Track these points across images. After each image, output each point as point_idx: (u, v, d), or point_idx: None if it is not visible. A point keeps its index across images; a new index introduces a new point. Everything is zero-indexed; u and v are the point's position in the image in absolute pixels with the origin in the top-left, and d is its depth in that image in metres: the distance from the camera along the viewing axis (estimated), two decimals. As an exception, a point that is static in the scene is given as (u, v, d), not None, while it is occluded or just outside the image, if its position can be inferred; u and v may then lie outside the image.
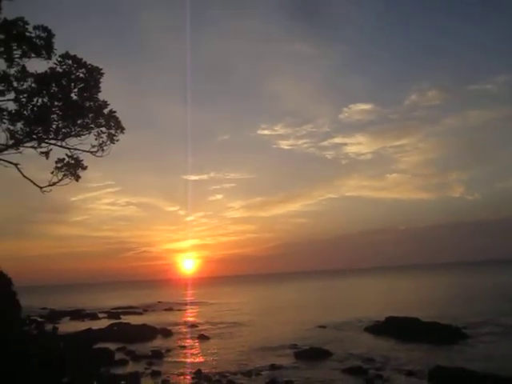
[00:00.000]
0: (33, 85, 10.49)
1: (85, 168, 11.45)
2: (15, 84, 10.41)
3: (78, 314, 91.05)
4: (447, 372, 29.93)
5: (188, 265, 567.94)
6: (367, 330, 54.25)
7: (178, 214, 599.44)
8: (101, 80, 11.02)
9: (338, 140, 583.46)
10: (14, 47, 10.17)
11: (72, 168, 11.36)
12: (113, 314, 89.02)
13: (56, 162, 11.17)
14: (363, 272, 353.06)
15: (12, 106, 10.75)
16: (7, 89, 10.46)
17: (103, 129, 11.31)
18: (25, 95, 10.49)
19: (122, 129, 11.45)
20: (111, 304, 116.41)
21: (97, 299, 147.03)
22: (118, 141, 11.48)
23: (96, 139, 11.33)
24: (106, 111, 11.31)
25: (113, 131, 11.40)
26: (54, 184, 11.31)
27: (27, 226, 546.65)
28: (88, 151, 11.29)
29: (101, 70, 10.89)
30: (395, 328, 49.15)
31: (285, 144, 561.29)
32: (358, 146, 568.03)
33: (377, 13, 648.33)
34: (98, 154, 11.39)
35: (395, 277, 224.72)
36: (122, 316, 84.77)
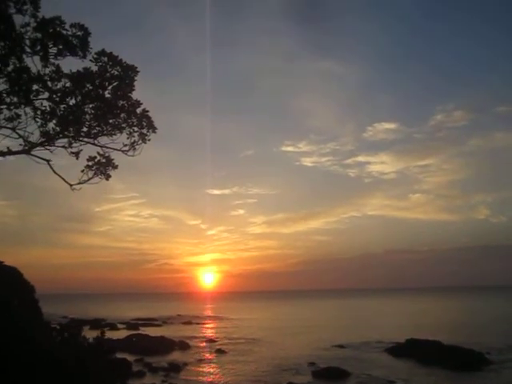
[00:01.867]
0: (67, 84, 10.66)
1: (115, 167, 11.55)
2: (49, 84, 10.60)
3: (97, 324, 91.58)
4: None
5: (208, 279, 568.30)
6: (387, 351, 53.38)
7: (199, 228, 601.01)
8: (135, 78, 11.15)
9: (361, 158, 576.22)
10: (50, 46, 10.38)
11: (102, 167, 11.46)
12: (132, 324, 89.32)
13: (87, 160, 11.29)
14: (384, 292, 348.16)
15: (45, 105, 10.92)
16: (42, 89, 10.67)
17: (135, 128, 11.41)
18: (58, 94, 10.67)
19: (154, 128, 11.54)
20: (131, 315, 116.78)
21: (117, 310, 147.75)
22: (149, 140, 11.61)
23: (128, 138, 11.43)
24: (138, 110, 11.40)
25: (145, 131, 11.48)
26: (84, 182, 11.44)
27: (52, 235, 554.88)
28: (119, 150, 11.39)
29: (136, 68, 11.02)
30: (416, 350, 48.24)
31: (308, 161, 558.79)
32: (382, 164, 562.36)
33: (403, 31, 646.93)
34: (129, 153, 11.49)
35: (417, 299, 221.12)
36: (140, 327, 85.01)
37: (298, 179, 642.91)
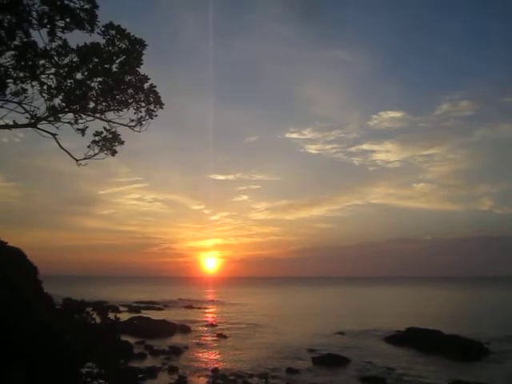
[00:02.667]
0: (74, 59, 10.54)
1: (122, 143, 11.46)
2: (56, 59, 10.48)
3: (99, 306, 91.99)
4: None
5: (210, 263, 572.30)
6: (387, 339, 53.57)
7: (202, 213, 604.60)
8: (143, 52, 11.01)
9: (366, 147, 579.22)
10: (57, 19, 10.25)
11: (109, 142, 11.37)
12: (133, 307, 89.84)
13: (93, 135, 11.20)
14: (385, 281, 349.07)
15: (52, 80, 10.81)
16: (48, 64, 10.55)
17: (142, 103, 11.31)
18: (65, 69, 10.55)
19: (162, 104, 11.42)
20: (132, 298, 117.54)
21: (119, 292, 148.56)
22: (156, 116, 11.48)
23: (135, 113, 11.33)
24: (146, 86, 11.28)
25: (152, 106, 11.37)
26: (91, 157, 11.36)
27: (55, 217, 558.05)
28: (126, 125, 11.28)
29: (144, 42, 10.88)
30: (416, 339, 48.43)
31: (313, 148, 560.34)
32: (387, 153, 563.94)
33: (411, 21, 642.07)
34: (136, 128, 11.37)
35: (418, 288, 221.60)
36: (142, 310, 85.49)
37: (302, 166, 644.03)
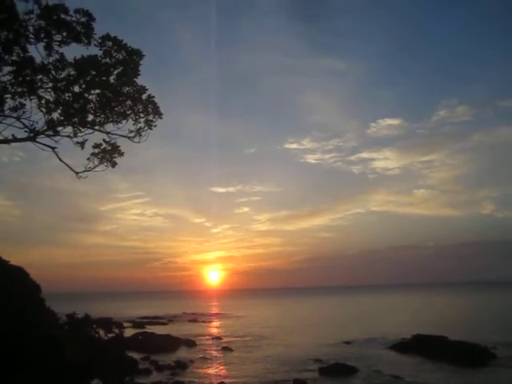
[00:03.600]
0: (71, 72, 10.58)
1: (122, 154, 11.46)
2: (53, 73, 10.53)
3: (103, 323, 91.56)
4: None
5: (213, 276, 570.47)
6: (393, 347, 53.27)
7: (204, 226, 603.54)
8: (141, 63, 11.03)
9: (365, 155, 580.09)
10: (54, 33, 10.30)
11: (108, 154, 11.37)
12: (138, 323, 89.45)
13: (93, 147, 11.21)
14: (388, 288, 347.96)
15: (50, 94, 10.85)
16: (46, 79, 10.59)
17: (141, 114, 11.32)
18: (63, 83, 10.59)
19: (160, 114, 11.43)
20: (136, 313, 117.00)
21: (122, 308, 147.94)
22: (155, 126, 11.49)
23: (134, 124, 11.35)
24: (144, 96, 11.30)
25: (151, 117, 11.39)
26: (91, 170, 11.35)
27: (56, 235, 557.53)
28: (125, 136, 11.28)
29: (141, 52, 10.90)
30: (422, 346, 48.18)
31: (312, 158, 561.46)
32: (386, 161, 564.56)
33: (405, 31, 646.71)
34: (135, 139, 11.39)
35: (421, 294, 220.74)
36: (146, 326, 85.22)
37: (302, 176, 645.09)
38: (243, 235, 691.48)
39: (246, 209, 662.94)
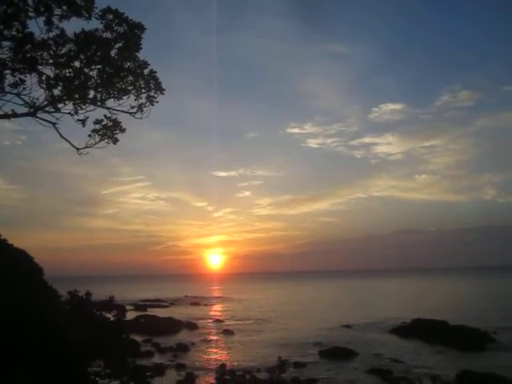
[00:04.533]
0: (72, 47, 10.49)
1: (123, 130, 11.37)
2: (54, 49, 10.44)
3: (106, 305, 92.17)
4: (475, 377, 29.35)
5: (214, 260, 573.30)
6: (393, 331, 53.64)
7: (206, 210, 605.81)
8: (142, 36, 10.93)
9: (367, 139, 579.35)
10: (54, 7, 10.18)
11: (110, 130, 11.30)
12: (140, 306, 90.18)
13: (94, 123, 11.14)
14: (390, 273, 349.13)
15: (50, 70, 10.77)
16: (46, 55, 10.50)
17: (143, 90, 11.24)
18: (64, 58, 10.51)
19: (162, 90, 11.32)
20: (138, 296, 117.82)
21: (124, 291, 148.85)
22: (157, 102, 11.40)
23: (135, 99, 11.27)
24: (146, 72, 11.20)
25: (152, 93, 11.30)
26: (91, 146, 11.28)
27: (59, 218, 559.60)
28: (127, 112, 11.21)
29: (143, 25, 10.79)
30: (422, 330, 48.49)
31: (314, 143, 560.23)
32: (388, 145, 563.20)
33: (410, 11, 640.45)
34: (137, 115, 11.30)
35: (423, 279, 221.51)
36: (148, 308, 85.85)
37: (304, 161, 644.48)
38: (245, 219, 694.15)
39: (247, 193, 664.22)
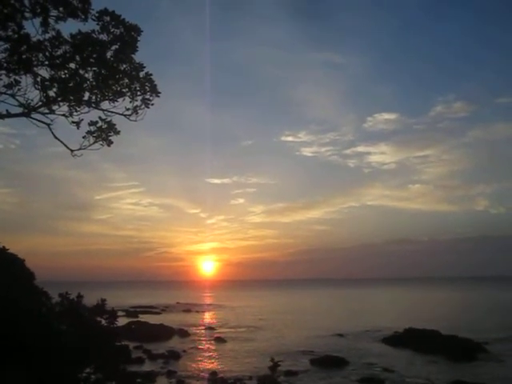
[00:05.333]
0: (68, 49, 10.44)
1: (118, 133, 11.30)
2: (50, 50, 10.39)
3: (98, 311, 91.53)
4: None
5: (207, 267, 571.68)
6: (385, 340, 53.58)
7: (199, 217, 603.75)
8: (138, 39, 10.88)
9: (361, 149, 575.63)
10: (50, 8, 10.14)
11: (104, 132, 11.22)
12: (131, 312, 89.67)
13: (88, 125, 11.07)
14: (383, 282, 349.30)
15: (45, 71, 10.71)
16: (42, 57, 10.45)
17: (138, 93, 11.18)
18: (59, 60, 10.45)
19: (158, 93, 11.27)
20: (130, 302, 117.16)
21: (116, 297, 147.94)
22: (152, 105, 11.34)
23: (130, 102, 11.20)
24: (141, 74, 11.15)
25: (148, 95, 11.24)
26: (85, 148, 11.20)
27: (52, 223, 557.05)
28: (122, 114, 11.14)
29: (139, 28, 10.75)
30: (414, 340, 48.44)
31: (308, 151, 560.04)
32: (382, 155, 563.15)
33: (404, 22, 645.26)
34: (131, 117, 11.24)
35: (415, 288, 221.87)
36: (140, 315, 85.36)
37: (298, 169, 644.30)
38: (238, 226, 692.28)
39: (241, 200, 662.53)
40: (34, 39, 10.28)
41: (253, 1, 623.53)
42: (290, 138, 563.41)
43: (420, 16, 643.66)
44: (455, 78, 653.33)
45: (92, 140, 11.18)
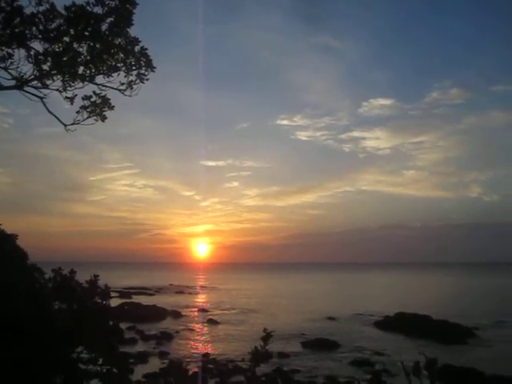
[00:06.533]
0: (62, 22, 10.24)
1: (112, 108, 11.11)
2: (44, 23, 10.20)
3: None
4: (456, 371, 29.69)
5: (201, 249, 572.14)
6: (377, 324, 54.09)
7: (193, 199, 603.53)
8: (134, 12, 10.65)
9: (356, 134, 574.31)
10: None
11: (98, 107, 11.06)
12: (124, 293, 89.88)
13: (82, 99, 10.89)
14: (376, 266, 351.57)
15: (40, 44, 10.52)
16: (36, 30, 10.26)
17: (133, 67, 10.98)
18: (54, 33, 10.27)
19: (153, 67, 11.07)
20: (123, 284, 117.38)
21: (109, 278, 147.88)
22: (147, 80, 11.16)
23: (125, 76, 11.01)
24: (136, 49, 10.95)
25: (143, 70, 11.04)
26: (79, 123, 11.03)
27: (46, 203, 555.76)
28: (116, 89, 10.95)
29: (135, 0, 10.51)
30: (405, 324, 48.90)
31: (303, 135, 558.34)
32: (377, 140, 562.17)
33: (403, 6, 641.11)
34: (126, 92, 11.06)
35: (408, 273, 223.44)
36: (133, 296, 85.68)
37: (293, 153, 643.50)
38: (232, 209, 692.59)
39: (235, 183, 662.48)
40: (28, 12, 10.07)
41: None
42: (285, 122, 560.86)
43: (418, 3, 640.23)
44: (451, 65, 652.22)
45: (86, 115, 11.04)
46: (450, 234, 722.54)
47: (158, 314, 58.88)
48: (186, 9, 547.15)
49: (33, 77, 10.26)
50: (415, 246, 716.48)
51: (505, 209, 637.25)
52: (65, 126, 11.02)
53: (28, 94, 10.58)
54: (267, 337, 5.71)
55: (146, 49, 11.09)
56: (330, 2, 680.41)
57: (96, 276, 13.13)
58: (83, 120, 10.99)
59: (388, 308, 63.42)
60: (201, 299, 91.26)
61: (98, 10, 10.39)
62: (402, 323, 49.79)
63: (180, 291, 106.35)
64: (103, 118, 11.19)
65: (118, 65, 10.77)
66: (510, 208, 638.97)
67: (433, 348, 40.85)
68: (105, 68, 10.63)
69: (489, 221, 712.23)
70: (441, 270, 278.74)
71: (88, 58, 10.52)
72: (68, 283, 12.65)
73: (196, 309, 71.68)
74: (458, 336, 44.01)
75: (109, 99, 11.06)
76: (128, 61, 10.81)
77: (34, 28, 10.15)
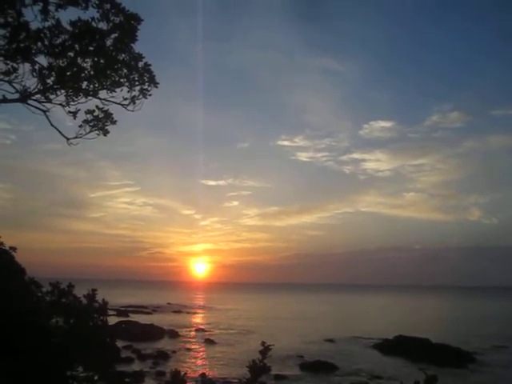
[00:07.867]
0: (67, 38, 10.34)
1: (114, 122, 11.16)
2: (49, 38, 10.30)
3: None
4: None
5: (200, 268, 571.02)
6: (375, 347, 53.62)
7: (193, 218, 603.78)
8: (138, 28, 10.74)
9: (356, 155, 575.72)
10: None
11: (101, 122, 11.12)
12: (122, 311, 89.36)
13: (85, 113, 10.95)
14: (375, 289, 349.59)
15: (45, 58, 10.60)
16: (42, 46, 10.35)
17: (136, 83, 11.06)
18: (58, 48, 10.36)
19: (156, 83, 11.15)
20: (121, 302, 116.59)
21: (107, 296, 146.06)
22: (150, 95, 11.23)
23: (128, 92, 11.08)
24: (140, 65, 11.03)
25: (146, 86, 11.12)
26: (81, 137, 11.07)
27: (45, 219, 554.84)
28: (119, 103, 11.02)
29: (139, 17, 10.61)
30: (404, 347, 48.45)
31: (303, 156, 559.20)
32: (377, 162, 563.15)
33: (403, 30, 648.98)
34: (129, 107, 11.12)
35: (407, 296, 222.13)
36: (130, 314, 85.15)
37: (293, 173, 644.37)
38: (231, 229, 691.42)
39: (235, 203, 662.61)
40: (34, 27, 10.19)
41: (251, 3, 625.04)
42: (286, 143, 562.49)
43: (419, 25, 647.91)
44: (452, 88, 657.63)
45: (88, 129, 11.10)
46: (449, 257, 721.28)
47: (155, 333, 58.41)
48: (185, 27, 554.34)
49: (36, 90, 10.35)
50: (414, 269, 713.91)
51: (504, 232, 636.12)
52: (67, 139, 11.07)
53: (31, 108, 10.67)
54: (265, 350, 5.68)
55: (150, 65, 11.19)
56: (332, 22, 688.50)
57: (94, 290, 13.05)
58: (85, 134, 11.05)
59: (387, 330, 62.84)
60: (198, 319, 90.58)
61: (102, 25, 10.53)
62: (401, 346, 49.34)
63: (178, 310, 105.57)
64: (105, 133, 11.24)
65: (122, 80, 10.86)
66: (509, 232, 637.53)
67: (432, 371, 40.39)
68: (108, 83, 10.71)
69: (488, 244, 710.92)
70: (440, 293, 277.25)
71: (92, 73, 10.60)
72: (66, 297, 12.59)
73: (193, 328, 71.08)
74: (457, 360, 43.59)
75: (111, 114, 11.13)
76: (131, 76, 10.90)
77: (39, 43, 10.27)
